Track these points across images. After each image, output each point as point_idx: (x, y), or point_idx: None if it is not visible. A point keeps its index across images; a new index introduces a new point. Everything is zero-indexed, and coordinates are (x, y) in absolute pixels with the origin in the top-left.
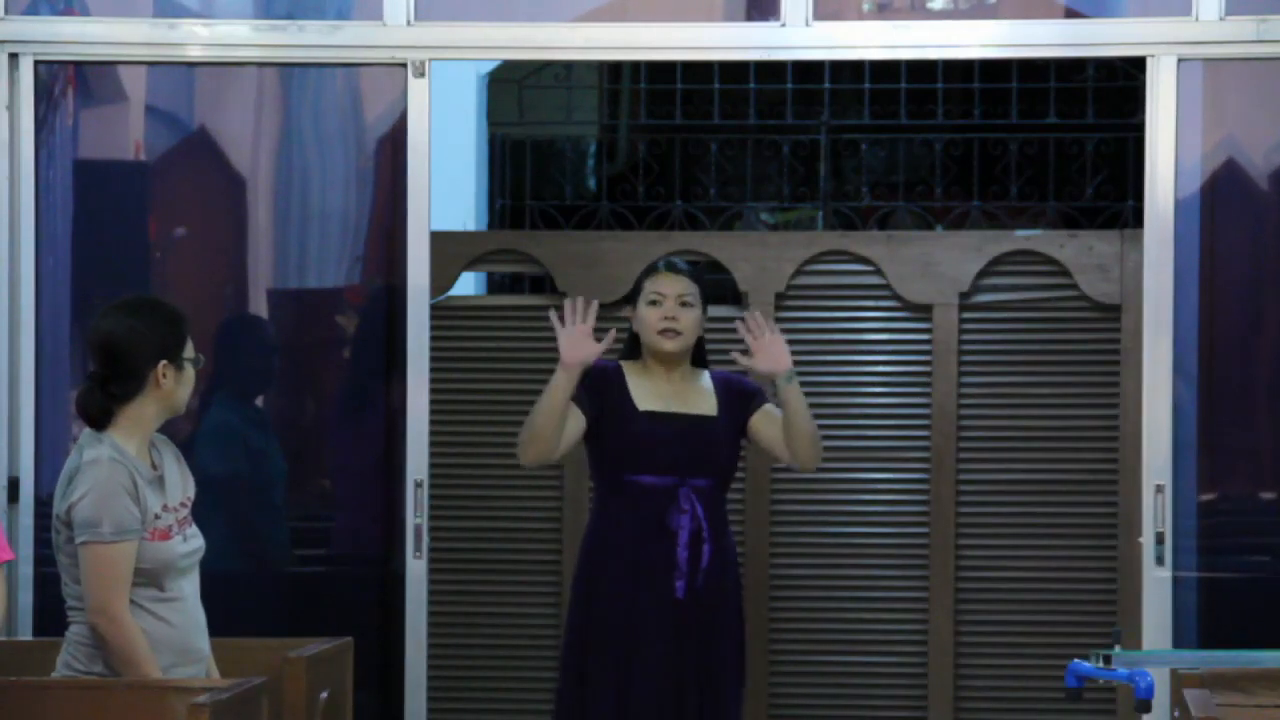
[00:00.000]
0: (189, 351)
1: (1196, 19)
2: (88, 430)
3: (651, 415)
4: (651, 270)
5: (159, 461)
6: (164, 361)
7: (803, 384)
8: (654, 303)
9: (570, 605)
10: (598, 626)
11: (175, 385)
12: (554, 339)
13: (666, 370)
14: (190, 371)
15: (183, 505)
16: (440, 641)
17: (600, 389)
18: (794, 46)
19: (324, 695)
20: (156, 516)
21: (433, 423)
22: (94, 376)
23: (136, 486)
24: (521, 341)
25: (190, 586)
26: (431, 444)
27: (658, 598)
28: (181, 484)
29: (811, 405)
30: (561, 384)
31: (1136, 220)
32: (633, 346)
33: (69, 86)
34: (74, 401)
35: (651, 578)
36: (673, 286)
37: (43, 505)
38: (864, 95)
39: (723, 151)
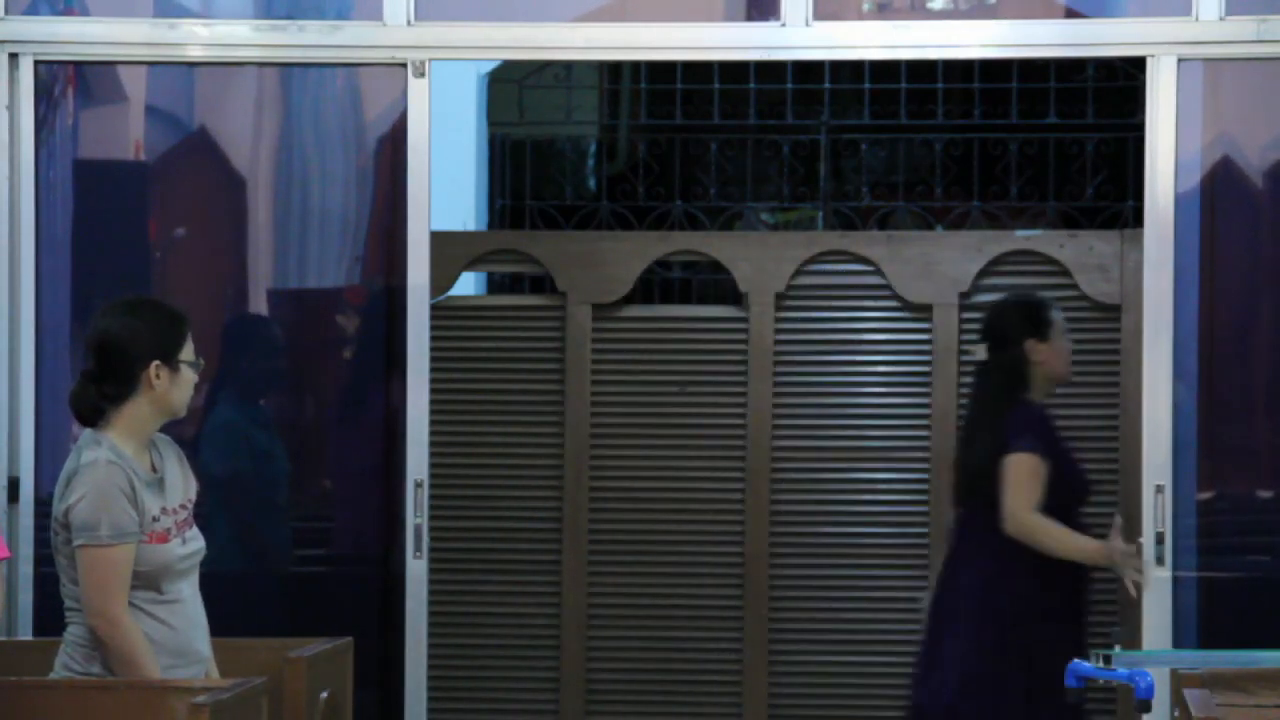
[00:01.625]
0: (186, 354)
1: (1196, 19)
2: (87, 431)
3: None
4: (1049, 303)
5: (159, 463)
6: (156, 362)
7: (803, 384)
8: (1068, 334)
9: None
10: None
11: (169, 387)
12: (554, 339)
13: None
14: (187, 374)
15: (183, 508)
16: (440, 641)
17: (1052, 436)
18: (794, 46)
19: (324, 695)
20: (154, 519)
21: (433, 423)
22: (87, 374)
23: (134, 489)
24: (521, 341)
25: (190, 589)
26: (431, 444)
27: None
28: (183, 486)
29: (812, 405)
30: (1085, 556)
31: (1136, 220)
32: (1018, 385)
33: (69, 86)
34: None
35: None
36: None
37: (43, 505)
38: (864, 95)
39: (723, 151)
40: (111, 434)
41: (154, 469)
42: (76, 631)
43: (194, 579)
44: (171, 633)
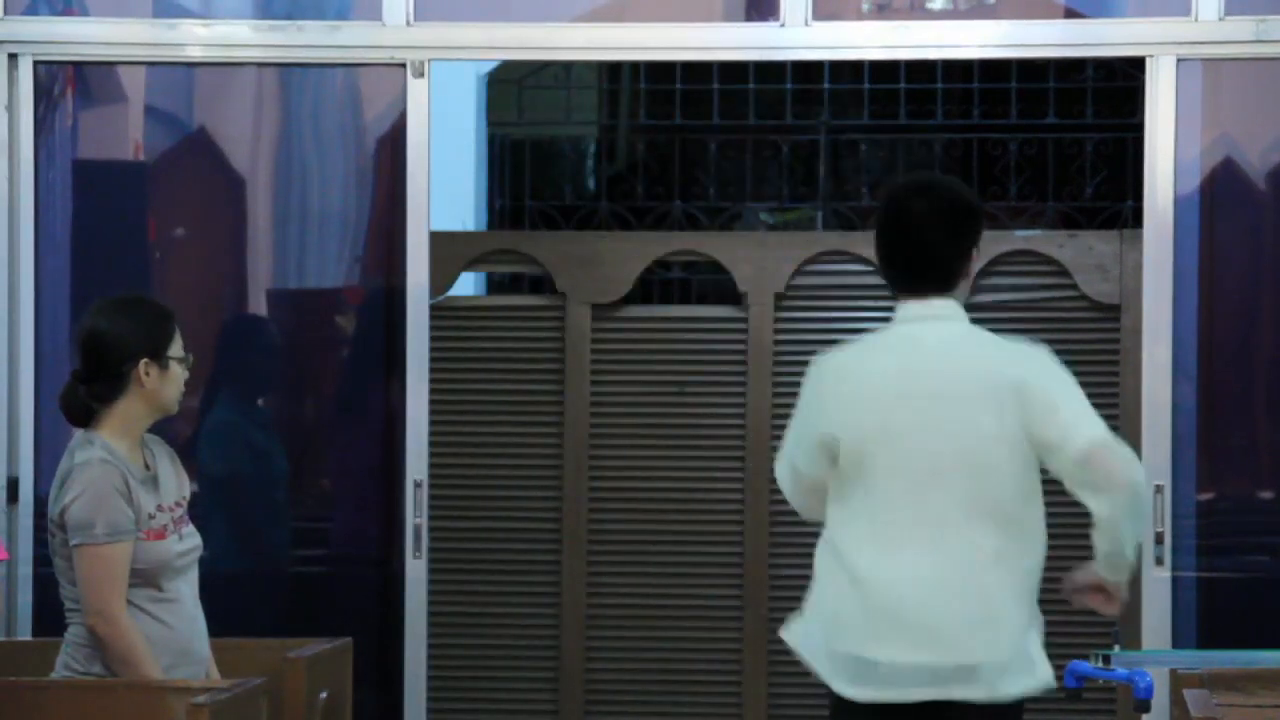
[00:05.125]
0: (175, 350)
1: (1196, 19)
2: (80, 432)
3: None
4: None
5: (152, 461)
6: (145, 360)
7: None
8: None
9: None
10: None
11: (160, 384)
12: (553, 339)
13: None
14: (177, 370)
15: (178, 505)
16: (440, 641)
17: None
18: (793, 47)
19: (324, 695)
20: (151, 516)
21: (432, 423)
22: (75, 375)
23: (129, 487)
24: (521, 341)
25: (188, 588)
26: (431, 444)
27: None
28: (177, 483)
29: None
30: None
31: (1136, 220)
32: None
33: (69, 86)
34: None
35: None
36: None
37: (42, 505)
38: (863, 95)
39: (722, 152)
40: (103, 433)
41: (147, 467)
42: (77, 632)
43: (193, 579)
44: (171, 632)
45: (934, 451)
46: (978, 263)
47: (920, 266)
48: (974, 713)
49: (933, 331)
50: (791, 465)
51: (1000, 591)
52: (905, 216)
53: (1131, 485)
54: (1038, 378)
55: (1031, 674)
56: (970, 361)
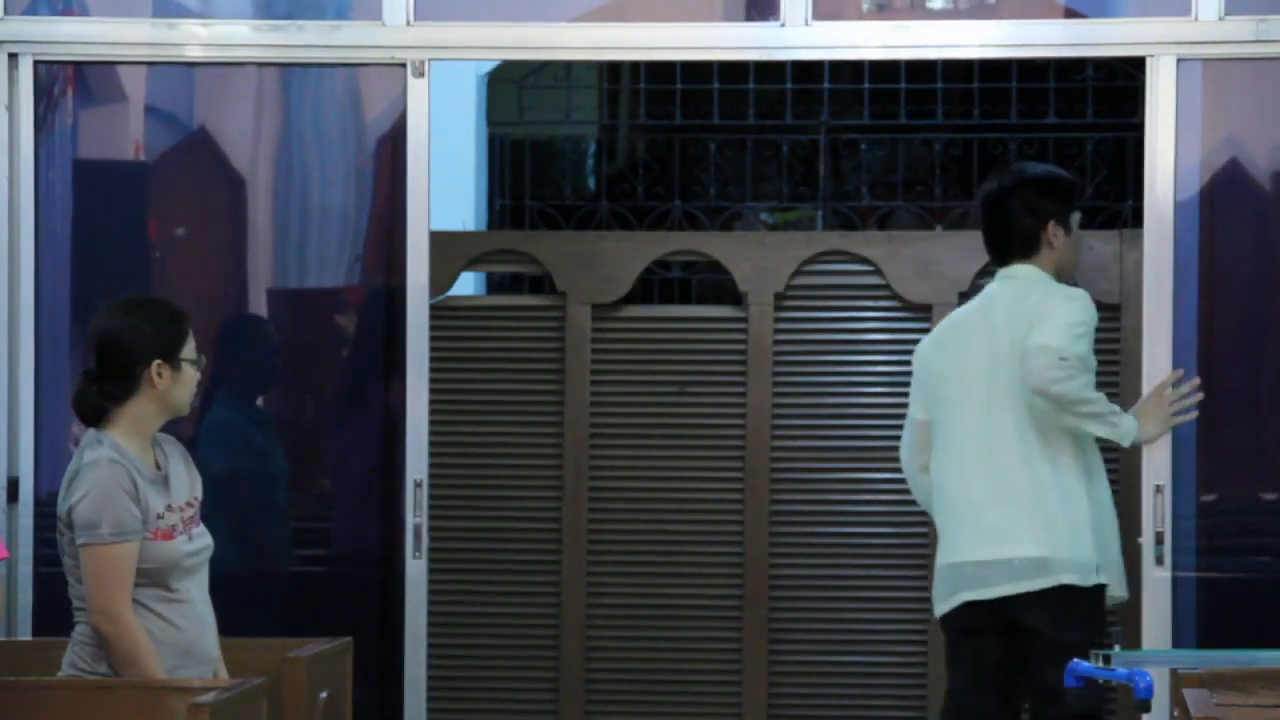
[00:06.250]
0: (188, 352)
1: (1196, 19)
2: (90, 431)
3: None
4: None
5: (163, 461)
6: (158, 361)
7: (802, 384)
8: None
9: None
10: None
11: (172, 385)
12: (553, 339)
13: None
14: (189, 372)
15: (189, 505)
16: (440, 641)
17: None
18: (793, 46)
19: (324, 695)
20: (159, 516)
21: (432, 423)
22: (88, 374)
23: (137, 487)
24: (521, 341)
25: (197, 588)
26: (431, 444)
27: None
28: (188, 484)
29: (811, 405)
30: None
31: (1136, 220)
32: None
33: (69, 86)
34: (70, 400)
35: None
36: None
37: (42, 505)
38: (863, 95)
39: (722, 151)
40: (114, 433)
41: (158, 467)
42: (84, 630)
43: (203, 579)
44: (178, 632)
45: (994, 380)
46: (1063, 234)
47: (1001, 238)
48: (1050, 597)
49: (1009, 287)
50: (912, 419)
51: (1057, 496)
52: (985, 198)
53: (1044, 390)
54: (1052, 301)
55: (1091, 568)
56: (1027, 305)
